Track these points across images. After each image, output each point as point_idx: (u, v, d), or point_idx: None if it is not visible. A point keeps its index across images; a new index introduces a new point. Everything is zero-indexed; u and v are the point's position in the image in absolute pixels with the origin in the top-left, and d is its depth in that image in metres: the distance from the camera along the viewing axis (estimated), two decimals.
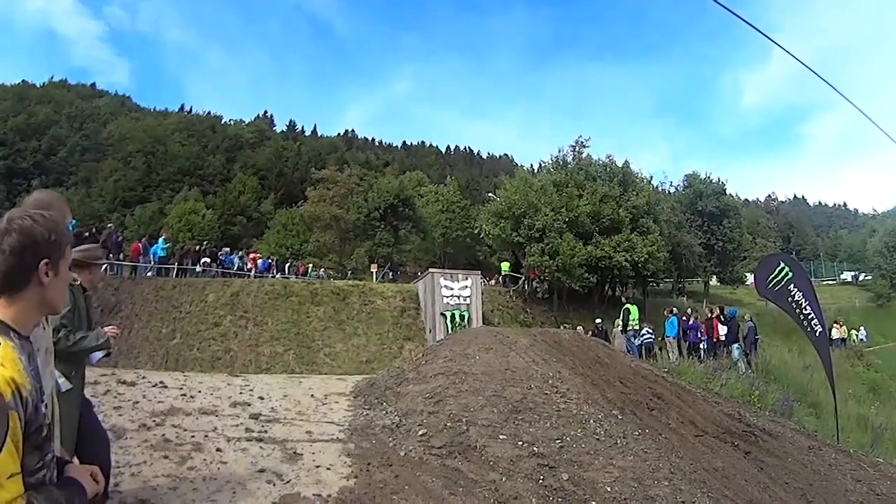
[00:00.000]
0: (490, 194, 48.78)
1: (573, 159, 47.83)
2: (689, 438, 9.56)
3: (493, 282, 43.56)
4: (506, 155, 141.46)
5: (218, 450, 7.02)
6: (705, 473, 8.23)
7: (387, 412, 8.85)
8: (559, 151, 49.28)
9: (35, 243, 2.30)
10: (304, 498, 5.89)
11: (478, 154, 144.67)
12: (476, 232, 48.56)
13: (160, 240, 35.03)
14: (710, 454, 9.15)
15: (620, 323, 25.56)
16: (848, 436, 15.07)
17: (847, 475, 10.29)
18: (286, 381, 11.33)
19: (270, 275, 40.12)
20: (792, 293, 15.47)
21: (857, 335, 53.88)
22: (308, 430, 8.06)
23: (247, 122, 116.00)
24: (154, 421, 7.79)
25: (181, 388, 9.61)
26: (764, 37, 8.52)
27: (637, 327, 25.19)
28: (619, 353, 14.78)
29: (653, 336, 25.04)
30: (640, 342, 24.44)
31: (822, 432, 14.00)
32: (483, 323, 27.33)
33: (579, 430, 8.28)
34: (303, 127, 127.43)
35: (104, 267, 24.19)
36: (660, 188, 57.59)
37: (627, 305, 26.49)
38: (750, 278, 69.74)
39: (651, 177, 53.80)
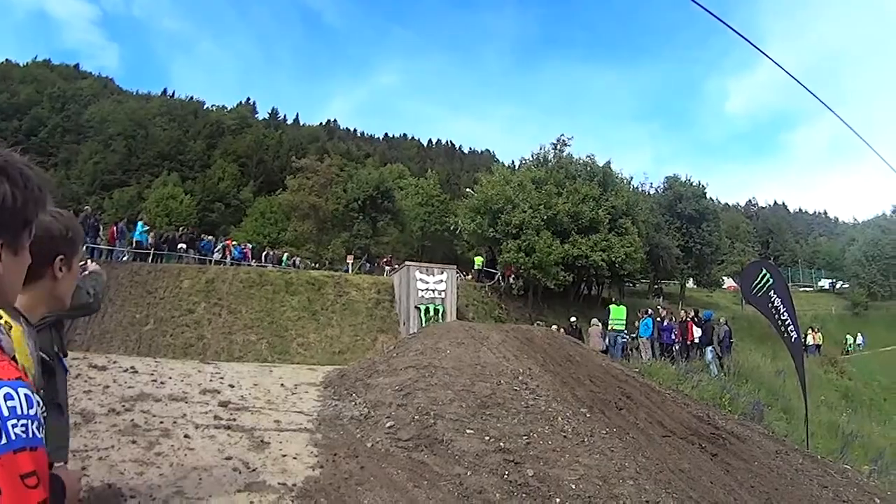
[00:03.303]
0: (468, 189, 48.71)
1: (554, 157, 47.78)
2: (656, 439, 9.59)
3: (469, 277, 43.42)
4: (488, 150, 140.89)
5: (186, 436, 7.03)
6: (671, 474, 8.27)
7: (356, 403, 8.85)
8: (540, 149, 49.28)
9: (52, 239, 2.41)
10: (269, 486, 5.92)
11: (459, 149, 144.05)
12: (452, 227, 48.55)
13: (139, 224, 34.85)
14: (676, 455, 9.18)
15: (611, 323, 25.62)
16: (818, 442, 15.20)
17: (813, 481, 10.35)
18: (257, 370, 11.31)
19: (246, 263, 39.92)
20: (772, 299, 15.67)
21: (853, 341, 54.83)
22: (276, 419, 8.07)
23: (229, 108, 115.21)
24: (123, 406, 7.78)
25: (152, 374, 9.60)
26: (751, 45, 8.60)
27: (620, 328, 25.26)
28: (591, 352, 14.79)
29: (626, 336, 25.18)
30: (611, 342, 24.55)
31: (793, 437, 14.11)
32: (457, 318, 27.10)
33: (547, 427, 8.32)
34: (285, 115, 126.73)
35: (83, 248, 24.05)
36: (640, 189, 57.89)
37: (611, 305, 26.58)
38: (727, 282, 70.57)
39: (631, 178, 53.82)
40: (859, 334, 57.77)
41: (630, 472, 7.68)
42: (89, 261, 5.24)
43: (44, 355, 2.61)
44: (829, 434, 17.47)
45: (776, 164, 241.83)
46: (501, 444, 7.64)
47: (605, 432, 8.77)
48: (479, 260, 44.75)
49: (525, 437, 7.92)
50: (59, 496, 2.26)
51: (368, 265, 53.85)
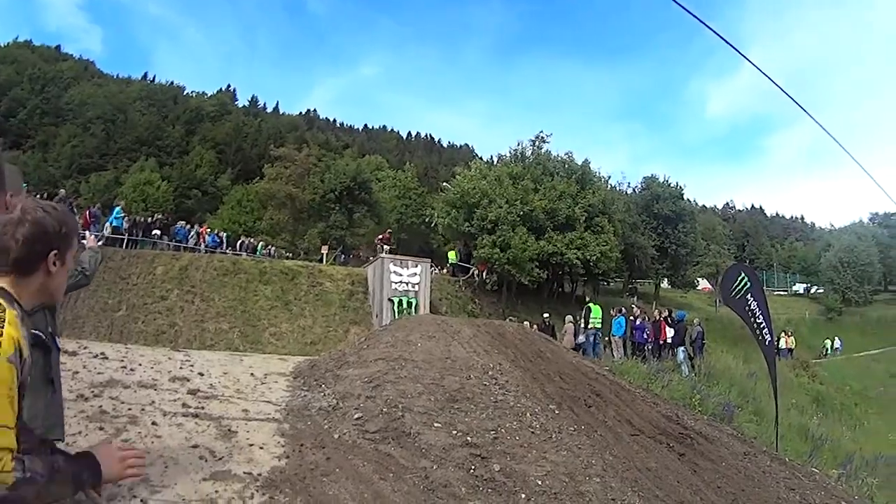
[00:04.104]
0: (444, 183, 48.82)
1: (532, 154, 47.97)
2: (624, 437, 9.62)
3: (444, 271, 43.48)
4: (466, 145, 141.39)
5: (153, 423, 7.00)
6: (638, 472, 8.31)
7: (325, 394, 8.82)
8: (518, 145, 49.46)
9: (46, 234, 2.54)
10: (234, 475, 5.91)
11: (438, 142, 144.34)
12: (428, 220, 48.61)
13: (116, 209, 34.70)
14: (644, 454, 9.21)
15: (582, 321, 25.68)
16: (787, 445, 15.34)
17: (781, 483, 10.40)
18: (227, 359, 11.21)
19: (220, 251, 39.87)
20: (749, 302, 15.92)
21: (831, 345, 55.51)
22: (245, 408, 8.04)
23: (209, 94, 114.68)
24: (92, 392, 7.71)
25: (122, 361, 9.53)
26: (733, 49, 8.67)
27: (598, 326, 25.35)
28: (562, 349, 14.75)
29: (599, 333, 25.32)
30: (584, 339, 24.64)
31: (762, 439, 14.19)
32: (430, 311, 27.17)
33: (515, 423, 8.36)
34: (265, 103, 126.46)
35: None
36: (617, 188, 58.26)
37: (590, 304, 26.67)
38: (702, 283, 71.09)
39: (609, 177, 54.17)
40: (837, 339, 58.50)
41: (597, 470, 7.72)
42: (87, 236, 5.28)
43: (39, 333, 2.68)
44: (798, 437, 17.71)
45: (754, 168, 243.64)
46: (469, 438, 7.67)
47: (573, 429, 8.82)
48: (452, 254, 44.78)
49: (493, 432, 7.95)
50: (95, 474, 2.54)
51: (343, 256, 53.88)
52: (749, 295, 15.99)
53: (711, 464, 9.95)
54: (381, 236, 36.03)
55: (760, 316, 15.69)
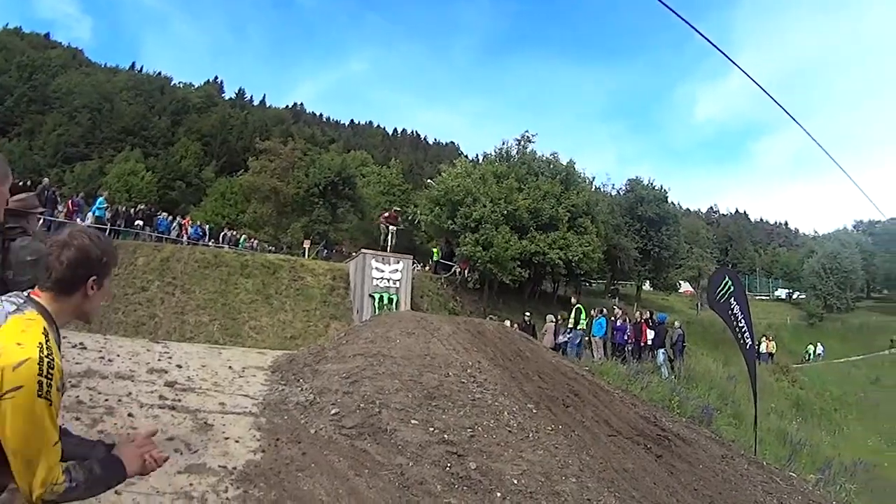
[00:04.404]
0: (429, 180, 48.78)
1: (517, 153, 48.11)
2: (601, 438, 9.65)
3: (426, 268, 43.41)
4: (452, 142, 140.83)
5: (130, 415, 7.00)
6: (614, 473, 8.34)
7: (302, 389, 8.82)
8: (503, 144, 49.61)
9: (88, 260, 2.65)
10: (209, 469, 5.91)
11: (424, 139, 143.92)
12: (411, 218, 48.64)
13: (99, 199, 34.51)
14: (621, 455, 9.25)
15: (571, 321, 25.66)
16: (766, 449, 15.39)
17: (758, 487, 10.47)
18: (206, 351, 11.18)
19: (203, 243, 39.72)
20: (731, 306, 15.98)
21: (814, 350, 55.90)
22: (222, 401, 8.04)
23: (196, 86, 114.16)
24: (70, 382, 7.67)
25: (100, 351, 9.50)
26: (721, 53, 8.72)
27: (585, 327, 25.34)
28: (542, 349, 14.79)
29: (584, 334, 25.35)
30: (566, 339, 24.66)
31: (740, 443, 14.27)
32: (411, 308, 27.03)
33: (492, 421, 8.39)
34: (252, 96, 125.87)
35: (40, 220, 23.77)
36: (601, 190, 58.41)
37: (579, 305, 26.67)
38: (684, 286, 71.33)
39: (593, 178, 54.38)
40: (819, 344, 58.84)
41: (573, 470, 7.75)
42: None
43: None
44: (777, 441, 17.72)
45: (740, 173, 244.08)
46: (445, 435, 7.69)
47: (550, 429, 8.84)
48: (435, 252, 44.73)
49: (469, 430, 7.98)
50: (121, 475, 2.68)
51: (326, 251, 53.74)
52: (732, 299, 16.08)
53: (688, 466, 9.97)
54: (386, 214, 34.45)
55: (742, 320, 15.76)
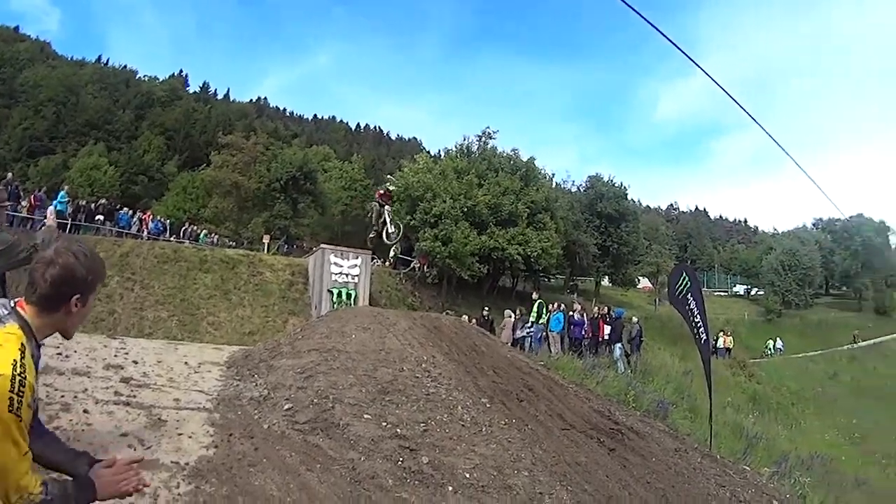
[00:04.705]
0: (389, 176, 48.92)
1: (478, 149, 48.37)
2: (554, 431, 9.72)
3: (386, 264, 43.40)
4: (415, 138, 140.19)
5: (85, 411, 7.00)
6: (567, 466, 8.41)
7: (256, 384, 8.85)
8: (464, 140, 49.86)
9: (73, 279, 2.68)
10: (162, 465, 5.94)
11: (387, 135, 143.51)
12: (368, 214, 48.64)
13: (60, 193, 34.28)
14: (574, 448, 9.30)
15: (534, 314, 25.72)
16: (721, 442, 15.48)
17: (711, 480, 10.55)
18: (163, 347, 11.11)
19: (164, 238, 39.48)
20: (688, 302, 16.12)
21: (773, 345, 56.68)
22: (176, 397, 8.05)
23: (161, 79, 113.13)
24: None
25: (57, 347, 9.43)
26: (683, 54, 8.84)
27: (546, 322, 25.45)
28: (497, 343, 14.87)
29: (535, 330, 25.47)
30: (525, 334, 24.78)
31: (696, 436, 14.33)
32: (370, 304, 26.95)
33: (446, 416, 8.48)
34: (216, 90, 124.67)
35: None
36: (561, 186, 58.98)
37: (540, 300, 26.75)
38: (643, 282, 72.02)
39: (553, 174, 54.80)
40: (778, 339, 59.59)
41: (525, 464, 7.85)
42: (48, 214, 5.35)
43: None
44: (733, 435, 17.93)
45: (700, 171, 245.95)
46: (398, 430, 7.76)
47: (503, 423, 8.93)
48: (394, 247, 44.72)
49: (423, 425, 8.05)
50: (90, 497, 2.72)
51: (286, 246, 53.64)
52: (689, 294, 16.24)
53: (642, 459, 10.04)
54: (381, 192, 31.99)
55: (698, 315, 15.90)
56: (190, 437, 6.75)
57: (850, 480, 19.52)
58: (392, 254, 42.36)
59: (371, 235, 29.58)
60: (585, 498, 7.71)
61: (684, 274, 17.24)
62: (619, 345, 23.13)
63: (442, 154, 52.34)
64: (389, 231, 27.75)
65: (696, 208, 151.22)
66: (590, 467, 8.81)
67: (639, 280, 72.06)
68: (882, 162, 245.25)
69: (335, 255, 28.24)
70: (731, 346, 41.54)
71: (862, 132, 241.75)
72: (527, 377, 11.86)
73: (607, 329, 24.15)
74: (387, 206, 28.75)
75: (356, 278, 27.91)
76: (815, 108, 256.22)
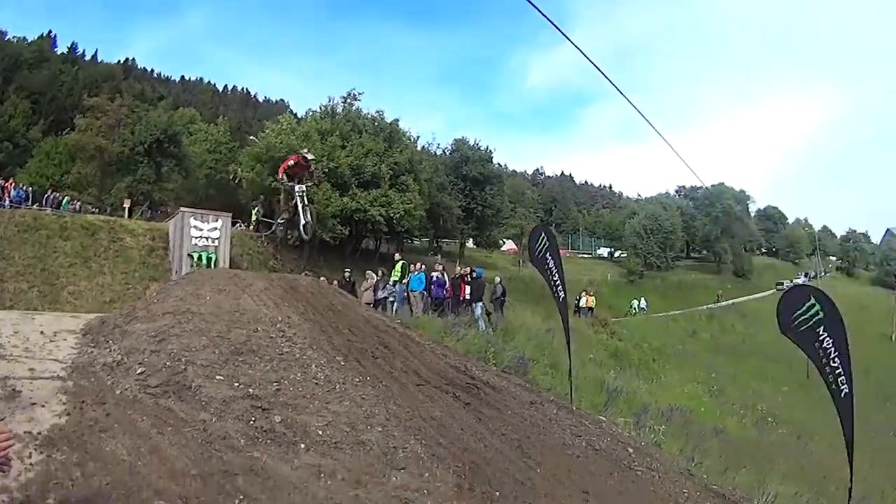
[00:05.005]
0: (252, 137, 48.17)
1: (343, 110, 48.13)
2: (409, 387, 9.88)
3: (249, 227, 42.75)
4: (282, 100, 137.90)
5: None
6: (421, 421, 8.58)
7: (110, 350, 8.72)
8: (329, 101, 49.74)
9: None
10: (15, 435, 5.93)
11: (255, 97, 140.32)
12: (231, 176, 47.94)
13: None
14: (429, 403, 9.49)
15: (396, 274, 25.85)
16: (582, 396, 15.75)
17: (567, 430, 10.83)
18: (19, 318, 10.77)
19: (26, 206, 38.11)
20: (547, 261, 16.20)
21: (637, 305, 58.67)
22: (31, 367, 7.91)
23: (30, 40, 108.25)
24: None
25: None
26: (553, 25, 9.09)
27: (407, 282, 25.64)
28: (354, 302, 15.04)
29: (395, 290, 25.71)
30: (386, 295, 24.99)
31: (557, 391, 14.64)
32: (230, 267, 26.96)
33: (299, 374, 8.56)
34: (84, 51, 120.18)
35: None
36: (426, 149, 59.55)
37: (403, 261, 26.89)
38: (508, 244, 73.21)
39: (418, 136, 55.04)
40: (643, 299, 61.81)
41: (379, 419, 8.01)
42: None
43: None
44: (594, 389, 18.08)
45: (568, 138, 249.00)
46: (251, 390, 7.83)
47: (357, 380, 9.04)
48: (255, 211, 44.00)
49: (275, 384, 8.13)
50: None
51: (150, 212, 52.54)
52: (548, 254, 16.36)
53: (497, 412, 10.31)
54: (289, 162, 22.29)
55: (556, 274, 16.07)
56: (43, 406, 6.68)
57: (708, 430, 20.35)
58: (254, 217, 41.93)
59: (280, 223, 20.92)
60: (440, 451, 7.85)
61: (543, 234, 17.24)
62: (479, 304, 23.41)
63: (308, 116, 51.72)
64: (303, 222, 17.95)
65: (563, 173, 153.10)
66: (445, 421, 8.98)
67: (503, 242, 73.00)
68: (744, 134, 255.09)
69: (195, 219, 27.86)
70: (593, 306, 42.39)
71: (726, 105, 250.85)
72: (383, 335, 12.03)
73: (468, 289, 24.55)
74: (299, 185, 18.09)
75: (216, 241, 27.56)
76: (682, 81, 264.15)
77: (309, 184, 18.49)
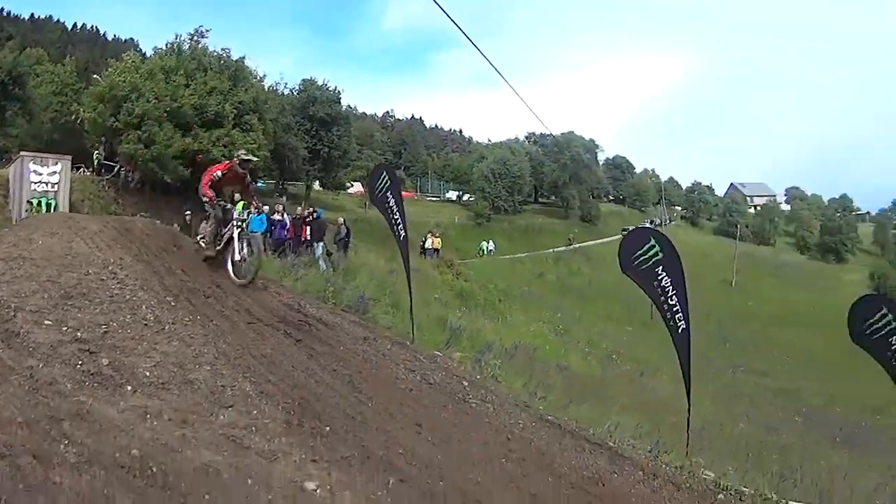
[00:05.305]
0: (95, 76, 46.31)
1: (189, 49, 46.46)
2: (240, 326, 9.86)
3: (90, 171, 41.09)
4: (132, 39, 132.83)
5: None
6: (251, 359, 8.52)
7: None
8: (176, 38, 47.18)
9: None
10: None
11: (104, 35, 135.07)
12: (74, 118, 46.13)
13: None
14: (259, 341, 9.42)
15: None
16: (425, 334, 15.84)
17: (400, 365, 10.95)
18: None
19: None
20: (388, 200, 16.08)
21: (486, 247, 59.58)
22: None
23: None
24: None
25: None
26: None
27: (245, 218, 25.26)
28: (189, 243, 14.27)
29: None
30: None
31: (398, 329, 14.86)
32: (70, 212, 26.01)
33: (129, 316, 8.40)
34: None
35: None
36: (273, 89, 57.70)
37: (242, 201, 26.45)
38: (355, 186, 73.14)
39: (265, 75, 53.51)
40: (491, 241, 62.93)
41: (208, 358, 7.94)
42: None
43: None
44: (438, 328, 18.46)
45: (420, 82, 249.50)
46: (79, 334, 7.58)
47: (187, 320, 8.94)
48: (96, 154, 42.42)
49: (104, 327, 7.95)
50: None
51: None
52: (388, 193, 16.27)
53: (329, 348, 10.34)
54: (221, 168, 18.03)
55: (397, 213, 16.00)
56: None
57: (553, 366, 21.14)
58: (95, 159, 40.32)
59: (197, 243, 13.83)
60: (269, 388, 7.81)
61: (384, 173, 17.07)
62: (320, 244, 23.49)
63: (154, 54, 49.93)
64: (237, 258, 12.40)
65: (413, 116, 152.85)
66: (275, 358, 8.94)
67: (351, 184, 72.46)
68: (597, 87, 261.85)
69: (34, 163, 26.50)
70: (439, 247, 42.65)
71: (580, 57, 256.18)
72: (215, 275, 12.01)
73: (309, 230, 24.47)
74: (237, 214, 13.35)
75: (56, 186, 26.37)
76: (542, 32, 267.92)
77: (245, 203, 13.57)
